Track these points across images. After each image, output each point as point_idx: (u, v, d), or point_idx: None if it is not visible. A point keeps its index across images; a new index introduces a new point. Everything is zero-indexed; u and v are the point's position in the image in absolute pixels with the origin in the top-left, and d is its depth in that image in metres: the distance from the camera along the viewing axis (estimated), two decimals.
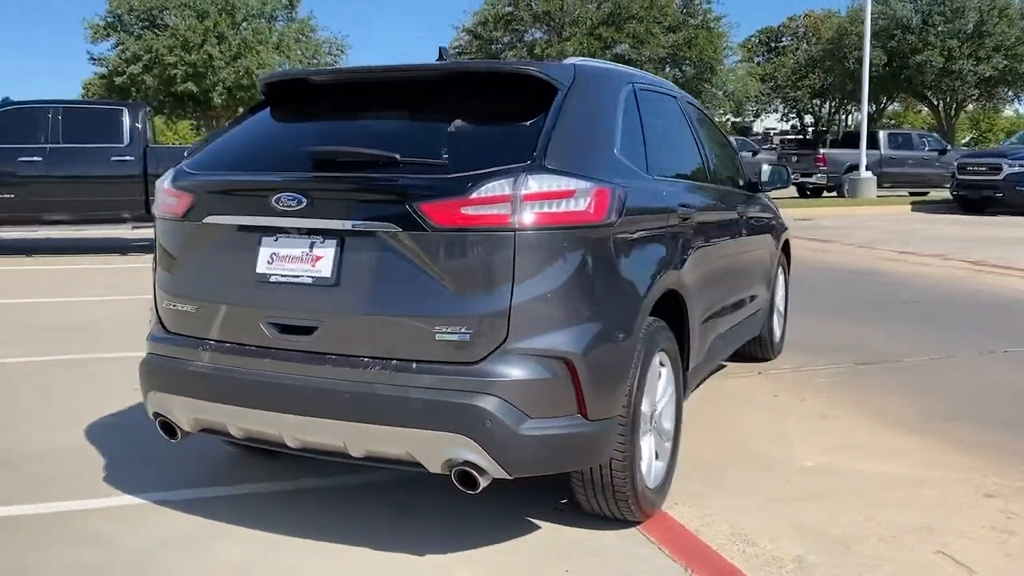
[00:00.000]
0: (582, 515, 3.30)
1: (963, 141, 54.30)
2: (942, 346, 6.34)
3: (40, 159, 11.18)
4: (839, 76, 41.15)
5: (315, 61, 36.64)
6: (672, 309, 3.53)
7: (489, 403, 2.68)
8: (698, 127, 4.47)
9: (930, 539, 3.22)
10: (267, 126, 3.40)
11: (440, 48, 3.53)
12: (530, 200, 2.73)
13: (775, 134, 55.37)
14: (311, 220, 2.86)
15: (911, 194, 23.93)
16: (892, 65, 37.03)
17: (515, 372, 2.71)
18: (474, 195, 2.70)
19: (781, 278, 5.97)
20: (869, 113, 45.12)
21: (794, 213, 18.77)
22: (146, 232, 10.61)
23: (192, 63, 33.78)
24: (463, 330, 2.70)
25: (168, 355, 3.16)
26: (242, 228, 3.01)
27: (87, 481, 3.68)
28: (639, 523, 3.28)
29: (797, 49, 50.27)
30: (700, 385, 5.23)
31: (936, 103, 40.62)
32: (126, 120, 11.62)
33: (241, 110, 29.31)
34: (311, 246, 2.87)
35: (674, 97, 4.30)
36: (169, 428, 3.21)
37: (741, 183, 5.17)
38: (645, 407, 3.27)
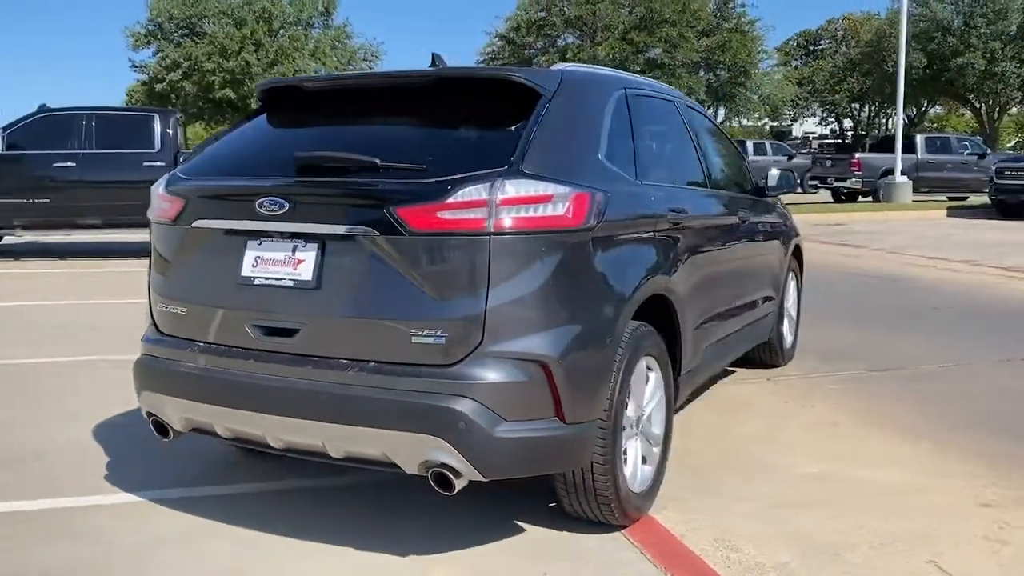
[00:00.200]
0: (568, 518, 3.30)
1: (1008, 145, 53.21)
2: (960, 353, 6.24)
3: (74, 164, 11.45)
4: (878, 79, 40.61)
5: (350, 67, 37.08)
6: (662, 313, 3.53)
7: (463, 405, 2.70)
8: (698, 132, 4.45)
9: (922, 548, 3.17)
10: (259, 132, 3.47)
11: (433, 55, 3.56)
12: (506, 204, 2.75)
13: (814, 138, 54.77)
14: (293, 224, 2.92)
15: (949, 199, 23.49)
16: (932, 68, 36.46)
17: (490, 375, 2.74)
18: (450, 199, 2.73)
19: (792, 284, 5.92)
20: (910, 117, 44.58)
21: (826, 218, 18.64)
22: None
23: (230, 70, 34.41)
24: (439, 333, 2.73)
25: (160, 356, 3.23)
26: (229, 232, 3.07)
27: (89, 479, 3.77)
28: (624, 527, 3.28)
29: (836, 52, 49.66)
30: (705, 390, 5.23)
31: (978, 106, 39.88)
32: (157, 126, 11.86)
33: None
34: (293, 250, 2.92)
35: (672, 102, 4.29)
36: (162, 427, 3.28)
37: (747, 188, 5.14)
38: (631, 411, 3.27)
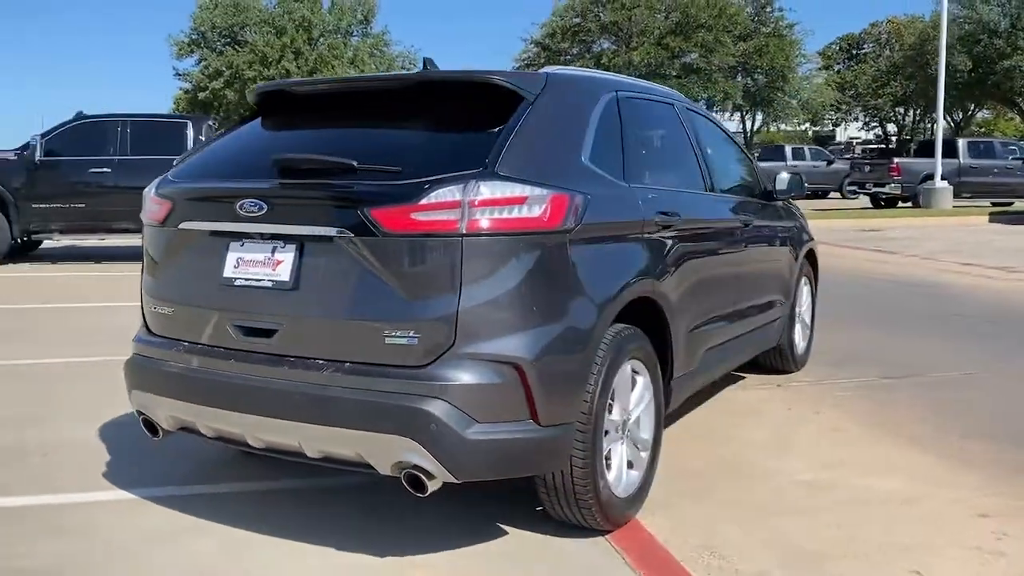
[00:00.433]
0: (553, 523, 3.28)
1: None
2: (983, 361, 6.09)
3: (109, 170, 11.71)
4: (921, 83, 39.89)
5: None
6: (652, 316, 3.50)
7: (435, 407, 2.71)
8: (699, 135, 4.41)
9: (909, 558, 3.10)
10: (249, 135, 3.52)
11: (425, 59, 3.58)
12: (479, 206, 2.75)
13: (858, 143, 53.94)
14: (273, 226, 2.95)
15: (993, 204, 22.99)
16: (978, 71, 35.68)
17: (462, 376, 2.74)
18: (423, 201, 2.74)
19: (805, 289, 5.83)
20: (956, 121, 43.66)
21: (861, 223, 18.35)
22: None
23: (270, 78, 34.88)
24: (411, 334, 2.74)
25: (149, 356, 3.29)
26: (214, 233, 3.12)
27: (87, 476, 3.84)
28: (608, 532, 3.25)
29: (879, 56, 48.86)
30: (713, 396, 5.18)
31: None
32: (190, 132, 12.08)
33: None
34: (273, 251, 2.96)
35: (670, 105, 4.26)
36: (151, 426, 3.34)
37: (756, 192, 5.08)
38: (615, 415, 3.25)
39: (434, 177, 2.78)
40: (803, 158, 28.70)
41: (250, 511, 3.46)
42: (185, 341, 3.17)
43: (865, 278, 10.33)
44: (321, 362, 2.85)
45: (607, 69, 32.11)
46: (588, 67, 31.77)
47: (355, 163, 2.88)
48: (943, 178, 21.37)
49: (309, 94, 3.59)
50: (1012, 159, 23.49)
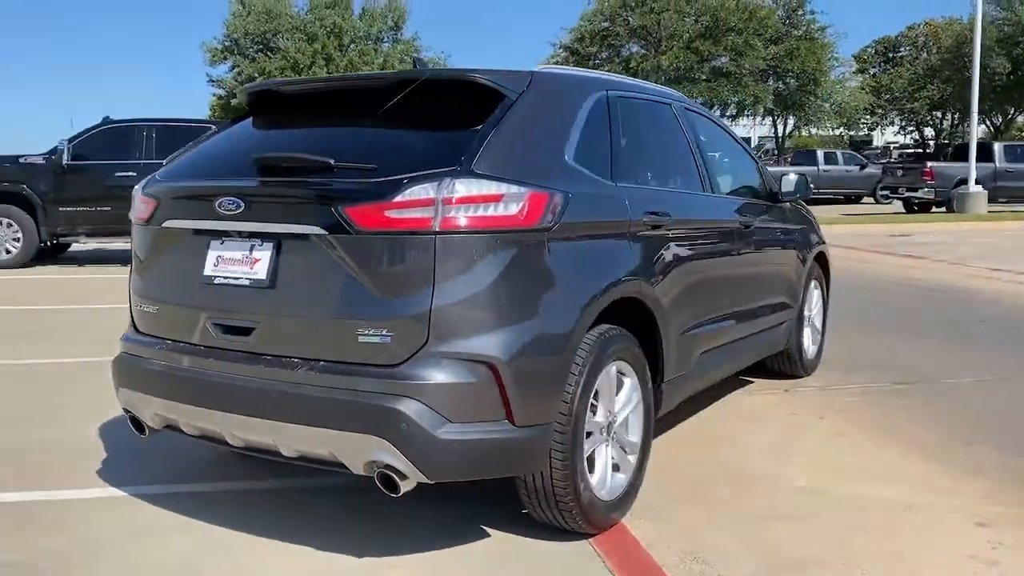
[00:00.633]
0: (537, 525, 3.25)
1: None
2: (1000, 368, 5.94)
3: (135, 174, 11.86)
4: (958, 86, 39.18)
5: None
6: (642, 318, 3.45)
7: (406, 406, 2.68)
8: (698, 135, 4.34)
9: (900, 566, 3.03)
10: (237, 135, 3.53)
11: (414, 59, 3.57)
12: (454, 204, 2.73)
13: (895, 148, 53.09)
14: (251, 224, 2.96)
15: None
16: (1017, 73, 35.02)
17: (435, 375, 2.71)
18: (397, 198, 2.73)
19: (816, 292, 5.72)
20: (995, 125, 42.80)
21: (891, 228, 18.05)
22: None
23: None
24: (384, 332, 2.73)
25: (135, 354, 3.31)
26: (196, 232, 3.13)
27: (81, 473, 3.87)
28: (591, 535, 3.21)
29: (916, 59, 48.06)
30: (719, 400, 5.10)
31: None
32: None
33: None
34: (251, 249, 2.96)
35: (668, 104, 4.20)
36: (138, 424, 3.36)
37: (761, 193, 5.01)
38: (600, 416, 3.21)
39: (409, 175, 2.77)
40: (835, 162, 28.28)
41: (235, 510, 3.46)
42: (169, 339, 3.19)
43: (889, 283, 10.15)
44: (296, 360, 2.85)
45: (635, 73, 31.98)
46: (617, 71, 31.77)
47: (332, 161, 2.87)
48: (977, 182, 20.93)
49: (296, 93, 3.59)
50: None
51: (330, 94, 3.52)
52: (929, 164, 23.14)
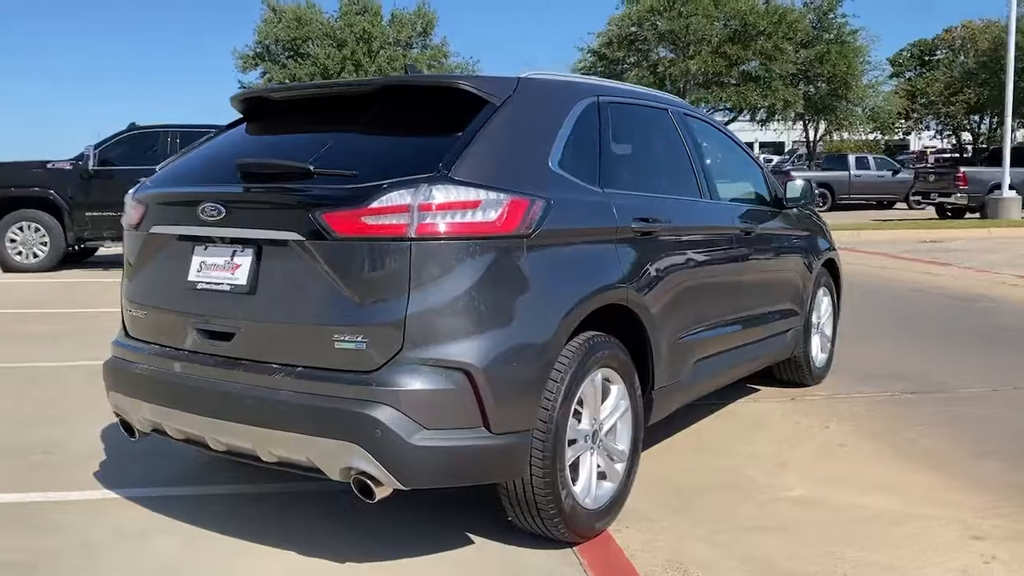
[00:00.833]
0: (521, 533, 3.23)
1: None
2: (1011, 377, 5.80)
3: None
4: (995, 90, 38.38)
5: None
6: (630, 325, 3.42)
7: (380, 412, 2.68)
8: (696, 140, 4.30)
9: None
10: (226, 142, 3.56)
11: (406, 65, 3.59)
12: (430, 210, 2.73)
13: (931, 152, 52.31)
14: (232, 230, 2.98)
15: None
16: None
17: (409, 382, 2.71)
18: (373, 204, 2.73)
19: (825, 300, 5.64)
20: None
21: (920, 234, 17.76)
22: None
23: None
24: (360, 339, 2.73)
25: (125, 358, 3.36)
26: (181, 238, 3.16)
27: (78, 474, 3.92)
28: (576, 544, 3.18)
29: (952, 62, 47.31)
30: (724, 407, 5.05)
31: None
32: None
33: None
34: (232, 255, 2.99)
35: (663, 109, 4.17)
36: (128, 427, 3.39)
37: (766, 199, 4.95)
38: (584, 424, 3.19)
39: (386, 181, 2.77)
40: (867, 167, 27.85)
41: (222, 513, 3.49)
42: (156, 344, 3.23)
43: (912, 290, 9.98)
44: (274, 366, 2.86)
45: (664, 78, 31.81)
46: (645, 76, 31.62)
47: (311, 167, 2.89)
48: (1012, 188, 20.54)
49: (285, 100, 3.62)
50: None
51: (319, 100, 3.54)
52: (962, 169, 22.73)
